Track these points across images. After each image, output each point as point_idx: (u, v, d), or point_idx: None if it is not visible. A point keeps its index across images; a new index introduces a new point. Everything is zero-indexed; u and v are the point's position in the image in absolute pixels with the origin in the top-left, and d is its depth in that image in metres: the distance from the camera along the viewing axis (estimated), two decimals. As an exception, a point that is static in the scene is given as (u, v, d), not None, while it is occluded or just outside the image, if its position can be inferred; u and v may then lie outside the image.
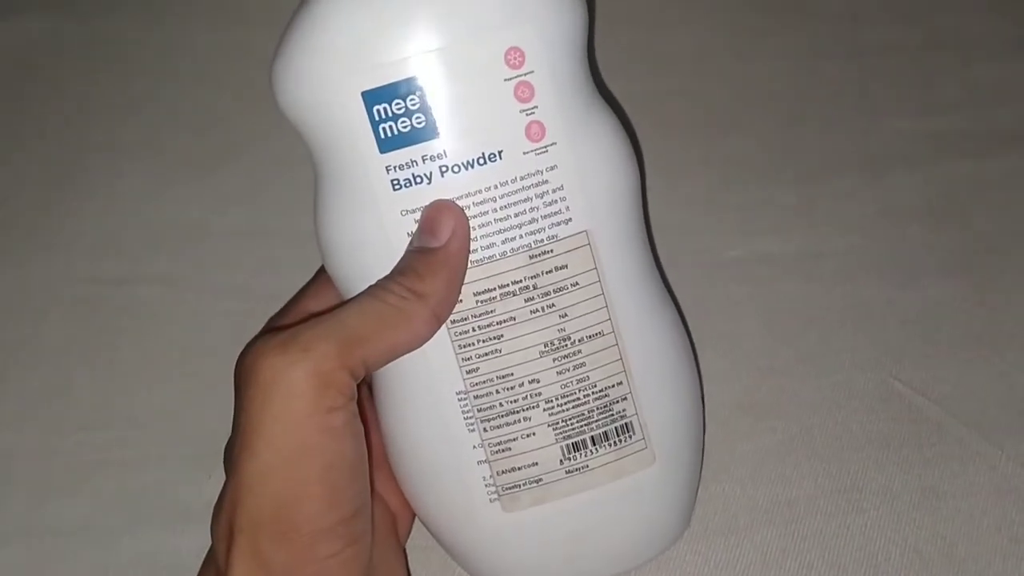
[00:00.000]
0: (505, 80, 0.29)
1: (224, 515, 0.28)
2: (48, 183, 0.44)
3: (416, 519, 0.34)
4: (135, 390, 0.39)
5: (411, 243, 0.30)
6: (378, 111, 0.29)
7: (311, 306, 0.33)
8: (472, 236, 0.30)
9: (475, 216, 0.29)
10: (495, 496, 0.31)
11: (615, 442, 0.31)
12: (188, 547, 0.35)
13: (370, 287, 0.30)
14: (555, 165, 0.30)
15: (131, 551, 0.36)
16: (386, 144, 0.29)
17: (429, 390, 0.31)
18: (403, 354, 0.29)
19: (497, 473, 0.31)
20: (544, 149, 0.30)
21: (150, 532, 0.36)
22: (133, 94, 0.45)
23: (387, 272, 0.30)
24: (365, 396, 0.33)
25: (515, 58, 0.29)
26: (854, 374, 0.38)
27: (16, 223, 0.43)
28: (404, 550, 0.34)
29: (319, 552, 0.28)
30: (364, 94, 0.29)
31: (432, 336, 0.29)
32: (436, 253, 0.29)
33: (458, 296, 0.30)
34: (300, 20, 0.29)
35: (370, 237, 0.30)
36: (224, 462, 0.30)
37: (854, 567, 0.34)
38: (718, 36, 0.45)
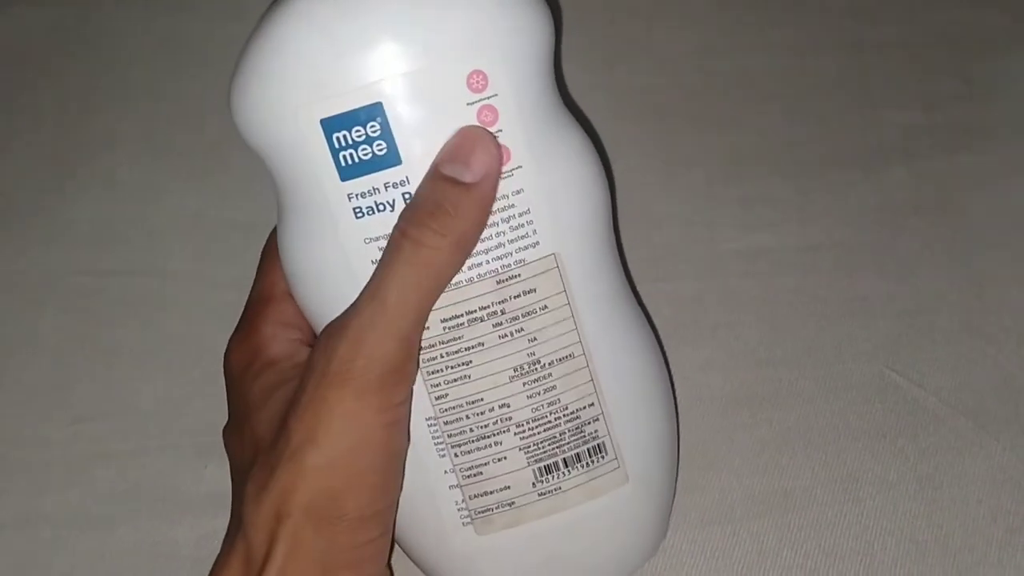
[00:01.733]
0: (468, 104, 0.28)
1: (271, 502, 0.28)
2: (46, 174, 0.44)
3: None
4: (132, 381, 0.39)
5: (434, 165, 0.28)
6: (338, 139, 0.28)
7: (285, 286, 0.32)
8: None
9: (440, 243, 0.29)
10: (468, 520, 0.31)
11: (587, 463, 0.31)
12: (185, 537, 0.36)
13: (397, 237, 0.28)
14: (521, 189, 0.29)
15: (128, 541, 0.36)
16: (347, 172, 0.28)
17: (400, 417, 0.30)
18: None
19: (469, 497, 0.31)
20: (510, 173, 0.29)
21: (147, 522, 0.36)
22: (131, 86, 0.45)
23: (349, 301, 0.29)
24: None
25: (478, 82, 0.28)
26: (851, 365, 0.38)
27: (14, 214, 0.43)
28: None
29: (359, 538, 0.28)
30: (323, 122, 0.28)
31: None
32: (470, 191, 0.28)
33: (483, 227, 0.29)
34: (255, 44, 0.28)
35: (332, 265, 0.29)
36: (230, 446, 0.31)
37: (850, 556, 0.34)
38: (718, 30, 0.46)
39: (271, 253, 0.34)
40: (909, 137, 0.42)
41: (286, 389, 0.30)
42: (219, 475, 0.36)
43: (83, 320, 0.41)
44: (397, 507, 0.30)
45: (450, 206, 0.28)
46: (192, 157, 0.44)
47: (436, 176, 0.28)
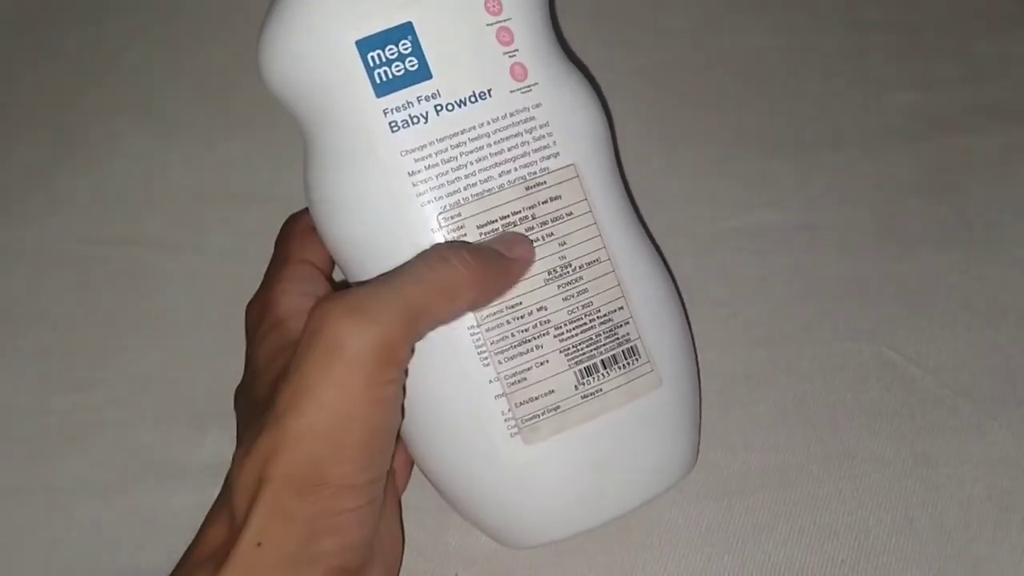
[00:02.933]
0: (487, 25, 0.31)
1: (253, 465, 0.28)
2: (47, 145, 0.43)
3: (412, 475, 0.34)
4: (131, 350, 0.39)
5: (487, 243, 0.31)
6: (372, 58, 0.30)
7: (310, 256, 0.34)
8: (471, 171, 0.31)
9: (472, 151, 0.31)
10: (515, 430, 0.31)
11: (623, 365, 0.32)
12: (183, 505, 0.34)
13: (424, 252, 0.30)
14: (539, 103, 0.32)
15: (126, 508, 0.35)
16: (382, 88, 0.31)
17: (442, 337, 0.31)
18: (452, 321, 0.30)
19: (515, 405, 0.31)
20: (528, 88, 0.32)
21: (145, 490, 0.35)
22: (133, 56, 0.45)
23: (391, 217, 0.31)
24: None
25: (494, 6, 0.31)
26: (849, 344, 0.38)
27: (14, 184, 0.43)
28: (399, 502, 0.34)
29: (340, 505, 0.28)
30: (358, 43, 0.30)
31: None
32: (504, 259, 0.30)
33: (496, 298, 0.31)
34: None
35: (372, 181, 0.31)
36: (238, 405, 0.30)
37: (845, 532, 0.35)
38: (718, 9, 0.46)
39: (291, 221, 0.35)
40: (909, 117, 0.42)
41: (288, 354, 0.30)
42: (218, 445, 0.36)
43: (82, 289, 0.40)
44: (386, 480, 0.30)
45: (486, 257, 0.30)
46: (193, 128, 0.44)
47: (485, 244, 0.31)
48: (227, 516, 0.29)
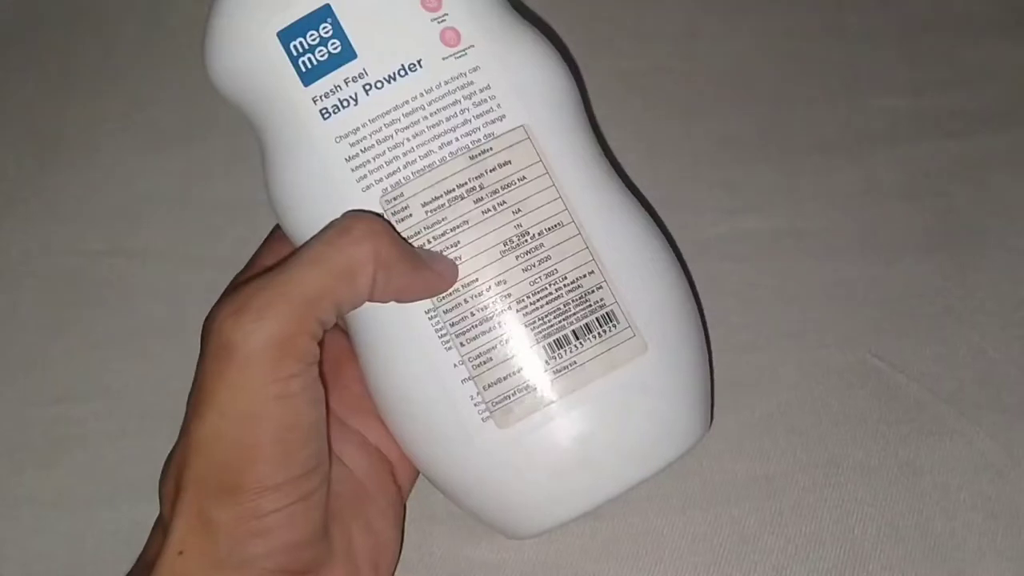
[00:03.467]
0: None
1: (171, 473, 0.28)
2: (26, 154, 0.44)
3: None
4: (113, 362, 0.39)
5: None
6: (295, 46, 0.30)
7: (267, 263, 0.33)
8: (409, 148, 0.29)
9: (407, 127, 0.30)
10: (487, 413, 0.29)
11: (599, 333, 0.30)
12: None
13: (331, 223, 0.29)
14: (477, 66, 0.30)
15: (108, 522, 0.35)
16: (308, 76, 0.30)
17: (399, 316, 0.30)
18: (353, 309, 0.29)
19: (483, 387, 0.29)
20: (463, 52, 0.30)
21: (127, 504, 0.35)
22: (112, 65, 0.45)
23: (332, 204, 0.30)
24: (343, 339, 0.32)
25: (415, -28, 0.30)
26: (833, 351, 0.38)
27: None
28: (403, 501, 0.33)
29: (262, 507, 0.27)
30: (280, 33, 0.30)
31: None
32: (423, 269, 0.29)
33: (405, 289, 0.29)
34: None
35: (310, 172, 0.30)
36: None
37: (831, 541, 0.34)
38: (704, 14, 0.46)
39: (276, 227, 0.35)
40: (894, 123, 0.42)
41: None
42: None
43: (63, 300, 0.40)
44: (320, 477, 0.28)
45: (400, 244, 0.28)
46: (177, 137, 0.44)
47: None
48: (161, 526, 0.29)
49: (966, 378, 0.37)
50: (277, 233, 0.34)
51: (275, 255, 0.34)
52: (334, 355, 0.33)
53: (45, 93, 0.46)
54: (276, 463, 0.27)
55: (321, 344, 0.28)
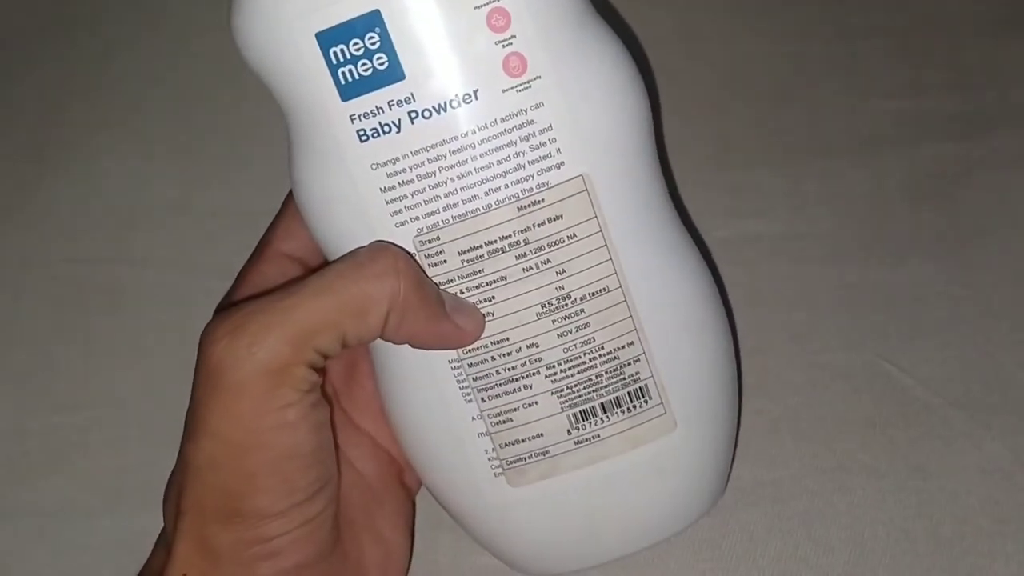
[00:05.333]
0: (476, 8, 0.25)
1: (172, 496, 0.28)
2: (26, 161, 0.43)
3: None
4: (113, 370, 0.39)
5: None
6: (335, 53, 0.26)
7: (282, 246, 0.31)
8: (452, 188, 0.26)
9: (453, 166, 0.26)
10: (499, 470, 0.28)
11: (628, 408, 0.28)
12: None
13: (354, 251, 0.27)
14: (541, 102, 0.26)
15: (110, 532, 0.36)
16: (347, 90, 0.26)
17: (422, 358, 0.28)
18: (362, 343, 0.27)
19: (500, 445, 0.28)
20: (527, 85, 0.26)
21: (129, 512, 0.36)
22: (112, 72, 0.45)
23: (360, 234, 0.27)
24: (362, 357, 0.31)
25: (485, -18, 0.25)
26: (840, 354, 0.37)
27: None
28: (412, 502, 0.33)
29: (266, 533, 0.26)
30: (318, 35, 0.25)
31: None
32: (441, 306, 0.27)
33: (421, 335, 0.27)
34: None
35: (341, 193, 0.27)
36: None
37: (840, 546, 0.34)
38: (706, 16, 0.45)
39: (281, 213, 0.32)
40: (899, 125, 0.41)
41: None
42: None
43: (64, 308, 0.40)
44: (326, 500, 0.27)
45: (423, 288, 0.26)
46: (173, 144, 0.43)
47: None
48: (164, 543, 0.28)
49: (974, 381, 0.36)
50: (291, 207, 0.31)
51: (289, 236, 0.31)
52: (348, 353, 0.32)
53: (44, 100, 0.45)
54: (276, 492, 0.27)
55: (323, 371, 0.27)
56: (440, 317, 0.26)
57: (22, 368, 0.39)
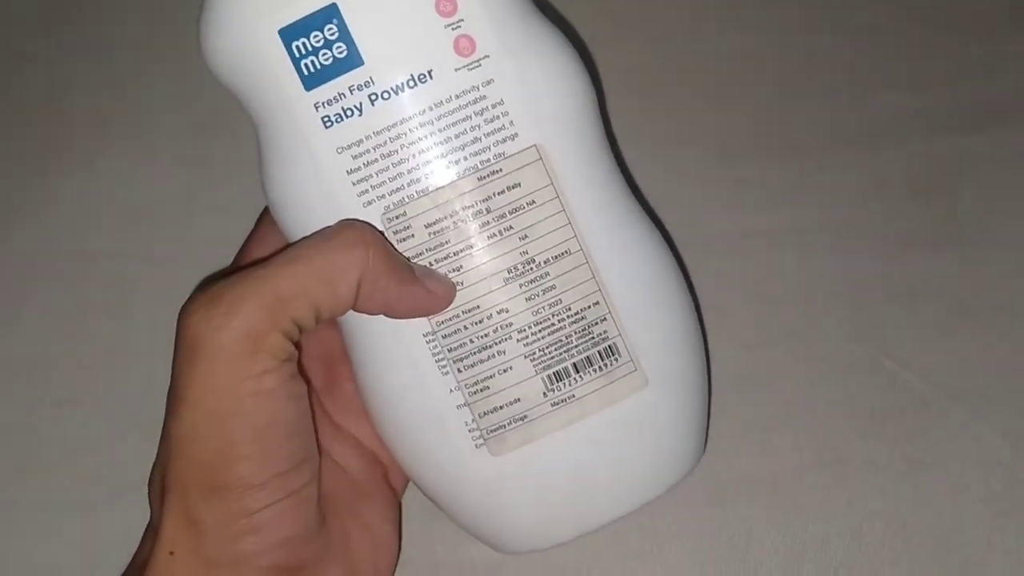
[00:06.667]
0: None
1: (157, 474, 0.28)
2: (32, 157, 0.43)
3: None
4: (115, 365, 0.39)
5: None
6: (297, 47, 0.28)
7: (255, 252, 0.32)
8: (414, 164, 0.28)
9: (414, 142, 0.28)
10: (480, 441, 0.29)
11: (600, 367, 0.29)
12: None
13: (303, 240, 0.28)
14: (491, 79, 0.28)
15: (111, 526, 0.35)
16: (310, 80, 0.28)
17: (395, 336, 0.29)
18: (335, 315, 0.28)
19: (479, 415, 0.29)
20: (476, 63, 0.28)
21: (129, 506, 0.35)
22: (118, 68, 0.45)
23: (331, 218, 0.28)
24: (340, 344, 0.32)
25: (433, -30, 0.28)
26: (841, 347, 0.38)
27: None
28: (399, 502, 0.33)
29: (250, 505, 0.27)
30: (281, 32, 0.27)
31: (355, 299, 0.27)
32: (411, 273, 0.28)
33: (392, 303, 0.28)
34: None
35: (310, 181, 0.28)
36: None
37: (839, 539, 0.34)
38: (709, 10, 0.45)
39: (266, 210, 0.34)
40: (902, 119, 0.42)
41: None
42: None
43: (66, 303, 0.40)
44: (309, 473, 0.28)
45: (391, 257, 0.27)
46: (177, 140, 0.43)
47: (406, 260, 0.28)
48: (152, 528, 0.29)
49: (974, 374, 0.37)
50: (267, 218, 0.33)
51: (264, 243, 0.32)
52: (327, 351, 0.33)
53: (48, 96, 0.45)
54: (257, 461, 0.27)
55: (299, 344, 0.28)
56: (411, 281, 0.27)
57: (26, 361, 0.39)
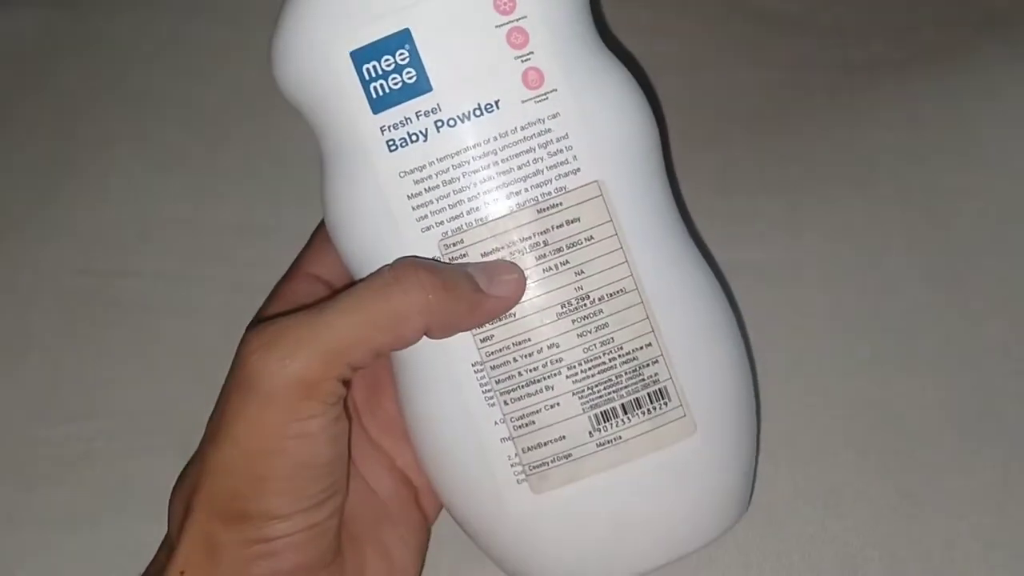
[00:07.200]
0: (496, 27, 0.28)
1: (182, 493, 0.29)
2: (40, 176, 0.44)
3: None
4: (122, 382, 0.39)
5: (466, 268, 0.28)
6: (368, 70, 0.28)
7: (312, 268, 0.33)
8: (474, 193, 0.28)
9: (476, 171, 0.28)
10: (522, 476, 0.29)
11: (649, 410, 0.28)
12: None
13: (379, 270, 0.28)
14: (557, 112, 0.28)
15: (117, 541, 0.35)
16: (378, 103, 0.28)
17: (443, 364, 0.29)
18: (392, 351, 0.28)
19: (523, 450, 0.28)
20: (544, 96, 0.28)
21: (136, 522, 0.35)
22: (127, 87, 0.45)
23: (389, 241, 0.28)
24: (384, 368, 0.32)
25: (505, 4, 0.28)
26: (836, 380, 0.37)
27: (7, 215, 0.43)
28: (428, 527, 0.33)
29: (269, 533, 0.27)
30: (352, 54, 0.28)
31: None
32: (478, 295, 0.27)
33: (460, 330, 0.28)
34: None
35: (370, 202, 0.29)
36: None
37: (832, 571, 0.34)
38: (706, 45, 0.45)
39: (313, 238, 0.34)
40: (896, 155, 0.42)
41: None
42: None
43: (76, 320, 0.40)
44: (332, 509, 0.28)
45: (451, 285, 0.27)
46: (190, 158, 0.43)
47: (462, 269, 0.28)
48: (167, 545, 0.29)
49: (966, 407, 0.37)
50: (322, 234, 0.33)
51: (319, 260, 0.33)
52: (373, 373, 0.32)
53: (57, 113, 0.45)
54: (287, 496, 0.27)
55: (348, 383, 0.28)
56: (479, 302, 0.27)
57: (34, 378, 0.39)
